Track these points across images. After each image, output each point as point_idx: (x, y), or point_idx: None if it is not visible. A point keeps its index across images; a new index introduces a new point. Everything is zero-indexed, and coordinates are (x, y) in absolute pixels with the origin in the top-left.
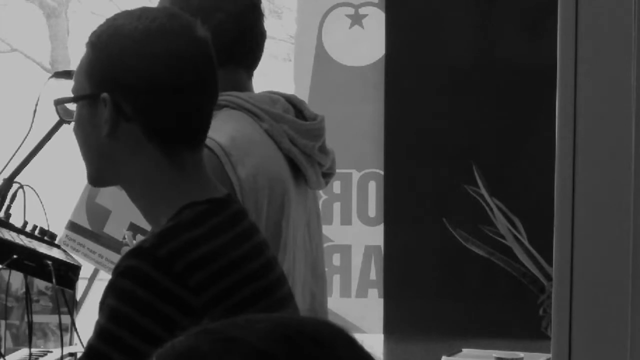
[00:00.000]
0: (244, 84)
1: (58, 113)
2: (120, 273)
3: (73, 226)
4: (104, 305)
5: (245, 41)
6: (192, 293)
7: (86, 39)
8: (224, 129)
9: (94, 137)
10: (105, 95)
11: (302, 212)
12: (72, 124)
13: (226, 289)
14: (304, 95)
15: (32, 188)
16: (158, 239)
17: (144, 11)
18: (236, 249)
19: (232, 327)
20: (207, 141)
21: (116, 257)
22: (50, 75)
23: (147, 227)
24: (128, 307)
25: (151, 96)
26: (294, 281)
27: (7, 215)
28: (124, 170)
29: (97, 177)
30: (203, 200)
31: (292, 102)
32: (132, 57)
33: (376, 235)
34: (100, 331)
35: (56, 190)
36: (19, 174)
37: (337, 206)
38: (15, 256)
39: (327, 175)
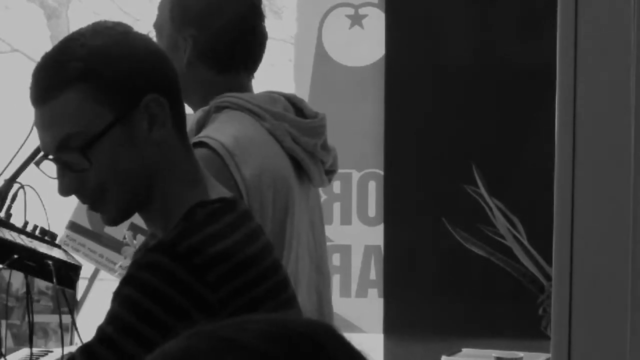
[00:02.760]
0: (245, 87)
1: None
2: (140, 266)
3: (74, 226)
4: (120, 295)
5: (246, 44)
6: (209, 288)
7: (61, 79)
8: (225, 130)
9: (139, 154)
10: (149, 97)
11: (306, 211)
12: (95, 164)
13: (240, 286)
14: (304, 96)
15: (32, 188)
16: (178, 235)
17: (102, 24)
18: (249, 247)
19: (226, 327)
20: (210, 142)
21: (116, 257)
22: None
23: None
24: (147, 298)
25: (171, 86)
26: (297, 280)
27: (8, 215)
28: (159, 180)
29: (131, 207)
30: (215, 199)
31: (292, 101)
32: (149, 55)
33: (376, 235)
34: (116, 320)
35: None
36: (20, 174)
37: (337, 206)
38: (16, 256)
39: (330, 172)
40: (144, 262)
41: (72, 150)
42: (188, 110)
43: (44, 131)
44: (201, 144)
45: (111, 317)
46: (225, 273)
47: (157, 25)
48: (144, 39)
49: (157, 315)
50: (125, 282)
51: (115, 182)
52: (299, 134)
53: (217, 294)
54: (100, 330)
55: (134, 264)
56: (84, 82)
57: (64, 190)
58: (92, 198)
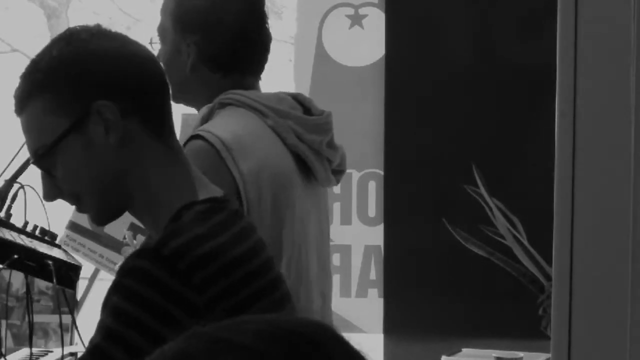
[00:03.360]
0: (251, 88)
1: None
2: (125, 272)
3: (73, 226)
4: (108, 304)
5: (250, 48)
6: (195, 291)
7: (24, 91)
8: (225, 125)
9: (101, 160)
10: (99, 103)
11: (313, 209)
12: (60, 174)
13: (228, 287)
14: None
15: (32, 188)
16: (162, 238)
17: (70, 31)
18: (237, 247)
19: (222, 329)
20: (206, 135)
21: (116, 257)
22: None
23: None
24: (132, 305)
25: (138, 89)
26: (306, 280)
27: (8, 215)
28: (132, 182)
29: (109, 208)
30: (204, 199)
31: (299, 100)
32: (105, 60)
33: (376, 235)
34: (104, 329)
35: None
36: (20, 174)
37: (337, 206)
38: (16, 256)
39: (338, 172)
40: (128, 269)
41: (39, 160)
42: (183, 109)
43: (25, 140)
44: (197, 137)
45: (101, 327)
46: (211, 275)
47: (160, 30)
48: (110, 42)
49: (146, 322)
50: (112, 290)
51: (84, 188)
52: (304, 131)
53: (203, 296)
54: (91, 342)
55: (120, 270)
56: (43, 93)
57: (46, 196)
58: (70, 202)
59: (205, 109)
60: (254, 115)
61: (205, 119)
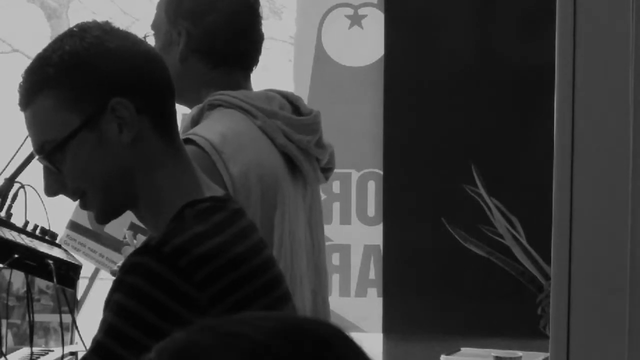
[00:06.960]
0: (240, 85)
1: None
2: (127, 270)
3: (74, 225)
4: (111, 302)
5: (239, 42)
6: (196, 288)
7: (34, 85)
8: (214, 127)
9: (111, 157)
10: (115, 100)
11: (302, 209)
12: (67, 170)
13: (229, 285)
14: (303, 96)
15: (33, 188)
16: (163, 236)
17: (81, 27)
18: (238, 246)
19: (234, 323)
20: (197, 139)
21: (117, 257)
22: None
23: None
24: (134, 302)
25: (148, 87)
26: (292, 277)
27: (9, 214)
28: (139, 181)
29: (114, 205)
30: (205, 198)
31: (289, 99)
32: (119, 58)
33: (375, 235)
34: (107, 326)
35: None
36: (20, 173)
37: (336, 206)
38: (16, 255)
39: (327, 170)
40: (130, 266)
41: (46, 155)
42: (184, 109)
43: (29, 134)
44: (188, 141)
45: (104, 325)
46: (212, 272)
47: (155, 25)
48: (123, 40)
49: (147, 318)
50: (114, 288)
51: (91, 185)
52: (292, 131)
53: (204, 293)
54: (95, 340)
55: (122, 267)
56: (54, 88)
57: (47, 191)
58: (74, 199)
59: (195, 109)
60: (243, 115)
61: (195, 120)
